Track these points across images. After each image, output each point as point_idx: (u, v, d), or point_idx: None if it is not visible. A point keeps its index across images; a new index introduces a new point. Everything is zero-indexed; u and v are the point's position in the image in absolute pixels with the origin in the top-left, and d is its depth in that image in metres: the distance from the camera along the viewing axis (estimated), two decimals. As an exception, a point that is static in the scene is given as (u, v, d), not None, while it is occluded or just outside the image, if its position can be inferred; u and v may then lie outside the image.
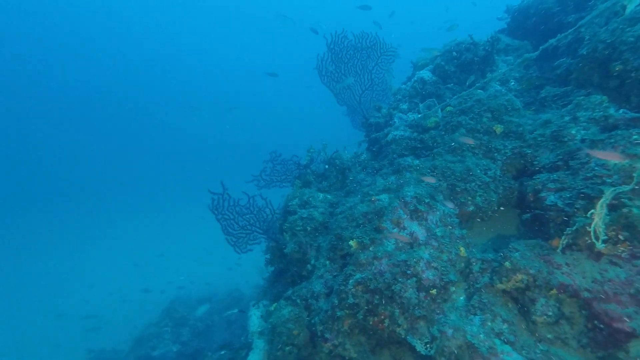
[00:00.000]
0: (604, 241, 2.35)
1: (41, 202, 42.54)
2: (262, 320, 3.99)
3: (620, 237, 2.38)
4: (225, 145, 51.48)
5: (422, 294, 2.74)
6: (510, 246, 2.77)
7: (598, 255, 2.47)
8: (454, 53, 5.53)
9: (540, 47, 3.62)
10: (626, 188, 2.31)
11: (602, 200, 2.28)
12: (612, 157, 2.52)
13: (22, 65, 45.87)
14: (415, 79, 5.77)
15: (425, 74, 5.72)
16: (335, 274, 3.34)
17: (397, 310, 2.69)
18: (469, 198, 3.39)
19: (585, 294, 2.41)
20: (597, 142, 2.76)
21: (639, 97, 3.25)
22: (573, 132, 3.19)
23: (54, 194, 44.55)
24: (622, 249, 2.39)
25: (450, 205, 3.30)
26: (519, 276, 2.57)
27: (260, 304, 4.23)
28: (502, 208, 3.55)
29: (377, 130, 5.77)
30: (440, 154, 3.84)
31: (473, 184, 3.42)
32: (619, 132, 2.71)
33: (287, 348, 3.17)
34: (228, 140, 52.48)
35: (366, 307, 2.80)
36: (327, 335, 2.89)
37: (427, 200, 3.23)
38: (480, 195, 3.38)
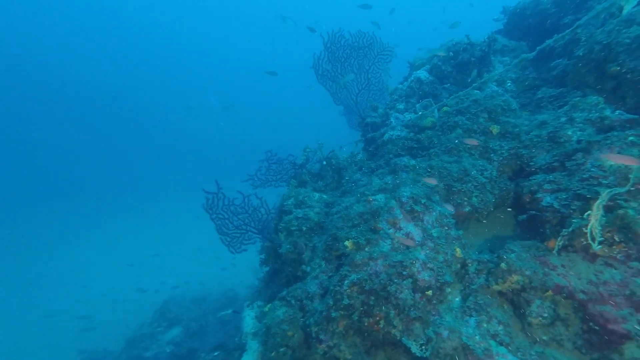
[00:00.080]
0: (600, 242, 2.34)
1: (33, 201, 42.08)
2: (257, 321, 3.95)
3: (616, 238, 2.38)
4: (221, 144, 51.34)
5: (417, 295, 2.72)
6: (506, 247, 2.76)
7: (593, 257, 2.47)
8: (451, 53, 5.52)
9: (537, 48, 3.62)
10: (622, 189, 2.31)
11: (598, 201, 2.27)
12: (629, 161, 2.45)
13: (17, 63, 45.52)
14: (412, 78, 5.76)
15: (422, 74, 5.71)
16: (330, 274, 3.31)
17: (393, 312, 2.66)
18: (465, 199, 3.37)
19: (581, 296, 2.40)
20: (593, 143, 2.75)
21: (634, 98, 3.26)
22: (569, 133, 3.19)
23: (46, 192, 44.14)
24: (617, 250, 2.38)
25: (450, 208, 3.28)
26: (515, 277, 2.56)
27: (255, 304, 4.19)
28: (498, 209, 3.54)
29: (374, 130, 5.75)
30: (436, 154, 3.82)
31: (469, 184, 3.41)
32: (615, 133, 2.70)
33: (281, 349, 3.14)
34: (224, 139, 52.32)
35: (361, 308, 2.77)
36: (321, 337, 2.86)
37: (423, 201, 3.21)
38: (476, 196, 3.37)
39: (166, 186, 43.59)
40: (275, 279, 4.61)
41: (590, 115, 3.20)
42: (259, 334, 3.67)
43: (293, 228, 3.95)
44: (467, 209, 3.38)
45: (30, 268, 25.26)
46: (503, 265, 2.62)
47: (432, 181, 3.33)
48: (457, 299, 2.80)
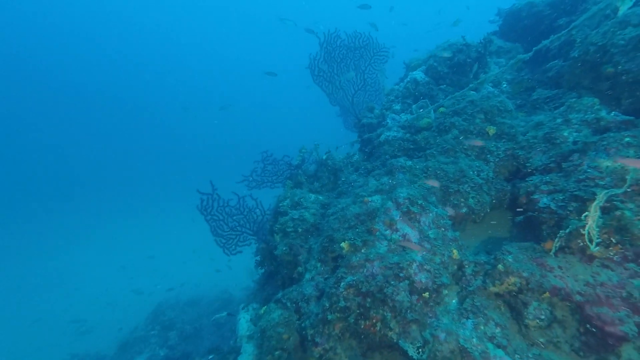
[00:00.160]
0: (597, 244, 2.33)
1: (26, 202, 41.55)
2: (252, 323, 3.91)
3: (613, 240, 2.37)
4: (217, 145, 51.12)
5: (414, 297, 2.70)
6: (503, 249, 2.75)
7: (590, 258, 2.46)
8: (449, 54, 5.51)
9: (534, 49, 3.62)
10: (619, 191, 2.30)
11: (595, 202, 2.26)
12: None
13: (18, 64, 45.25)
14: (408, 79, 5.76)
15: (418, 74, 5.71)
16: (326, 276, 3.28)
17: (389, 314, 2.64)
18: (462, 200, 3.36)
19: (578, 298, 2.39)
20: (590, 144, 2.75)
21: (629, 99, 3.27)
22: (565, 134, 3.19)
23: (39, 194, 43.58)
24: (614, 252, 2.38)
25: (451, 212, 3.26)
26: (512, 279, 2.54)
27: (250, 307, 4.15)
28: (494, 210, 3.53)
29: (370, 130, 5.73)
30: (433, 155, 3.81)
31: (466, 185, 3.39)
32: (611, 134, 2.70)
33: (277, 352, 3.10)
34: (219, 140, 52.11)
35: (358, 311, 2.74)
36: (317, 340, 2.82)
37: (420, 202, 3.19)
38: (473, 197, 3.35)
39: (162, 187, 43.28)
40: (270, 281, 4.57)
41: (586, 117, 3.20)
42: (254, 337, 3.62)
43: (289, 229, 3.91)
44: (463, 210, 3.37)
45: (21, 270, 24.89)
46: (500, 266, 2.60)
47: (434, 183, 3.30)
48: (454, 301, 2.78)
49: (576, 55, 3.77)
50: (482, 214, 3.45)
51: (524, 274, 2.51)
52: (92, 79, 50.60)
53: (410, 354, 2.56)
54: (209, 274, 16.48)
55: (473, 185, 3.40)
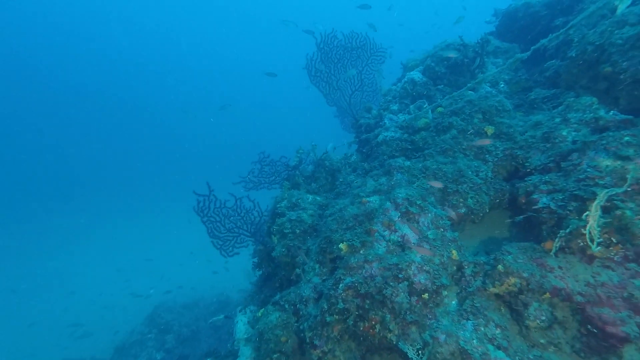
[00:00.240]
0: (598, 244, 2.31)
1: (24, 203, 41.19)
2: (249, 326, 3.86)
3: (613, 239, 2.35)
4: (215, 145, 50.99)
5: (413, 299, 2.67)
6: (502, 249, 2.72)
7: (591, 258, 2.44)
8: (444, 54, 5.50)
9: (532, 48, 3.61)
10: (619, 190, 2.29)
11: (596, 201, 2.24)
12: None
13: (18, 65, 45.11)
14: (406, 79, 5.74)
15: (416, 74, 5.69)
16: (324, 278, 3.24)
17: (388, 315, 2.61)
18: (461, 200, 3.34)
19: (579, 298, 2.37)
20: (589, 143, 2.74)
21: (627, 99, 3.26)
22: (564, 133, 3.18)
23: (37, 194, 43.21)
24: (614, 251, 2.36)
25: (452, 215, 3.22)
26: (512, 280, 2.52)
27: (247, 309, 4.10)
28: (493, 210, 3.51)
29: (368, 131, 5.71)
30: (431, 155, 3.79)
31: (465, 185, 3.37)
32: (611, 133, 2.69)
33: (275, 355, 3.06)
34: (218, 140, 51.97)
35: (356, 312, 2.71)
36: (316, 342, 2.79)
37: (418, 202, 3.17)
38: (472, 197, 3.33)
39: (161, 188, 43.08)
40: (268, 282, 4.52)
41: (585, 116, 3.19)
42: (252, 339, 3.58)
43: (286, 231, 3.87)
44: (462, 210, 3.35)
45: (21, 271, 24.64)
46: (500, 267, 2.58)
47: (437, 184, 3.27)
48: (453, 302, 2.75)
49: (574, 55, 3.77)
50: (481, 214, 3.43)
51: (524, 275, 2.49)
52: (92, 79, 50.46)
53: (410, 356, 2.53)
54: (207, 276, 16.39)
55: (472, 185, 3.38)
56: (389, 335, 2.60)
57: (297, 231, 3.83)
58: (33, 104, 47.87)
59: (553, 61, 4.53)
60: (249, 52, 58.59)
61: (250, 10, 55.58)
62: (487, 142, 3.46)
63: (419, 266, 2.77)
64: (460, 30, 6.38)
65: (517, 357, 2.31)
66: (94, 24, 48.42)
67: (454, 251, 2.95)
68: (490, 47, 5.75)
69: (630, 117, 2.96)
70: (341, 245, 3.12)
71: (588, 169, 2.63)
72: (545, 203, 2.75)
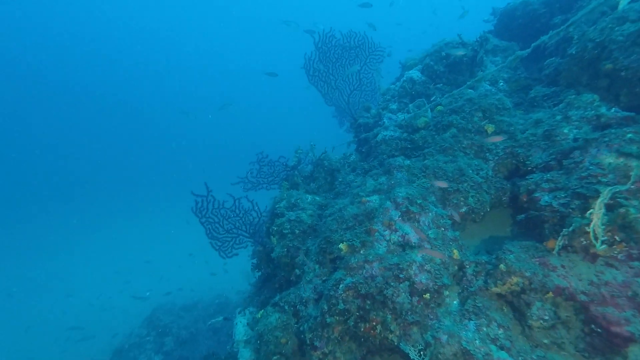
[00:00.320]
0: (602, 242, 2.28)
1: (24, 203, 40.99)
2: (249, 328, 3.82)
3: (617, 238, 2.32)
4: (214, 146, 50.88)
5: (415, 299, 2.63)
6: (504, 248, 2.69)
7: (594, 257, 2.41)
8: (443, 53, 5.48)
9: (532, 44, 3.58)
10: (623, 187, 2.26)
11: (600, 199, 2.21)
12: None
13: (18, 65, 45.06)
14: (405, 78, 5.71)
15: (415, 73, 5.67)
16: (324, 278, 3.20)
17: (390, 316, 2.57)
18: (462, 199, 3.31)
19: (582, 297, 2.34)
20: (591, 140, 2.71)
21: (628, 96, 3.24)
22: (565, 131, 3.15)
23: (37, 194, 42.99)
24: (618, 250, 2.33)
25: (456, 217, 3.19)
26: (515, 279, 2.49)
27: (247, 310, 4.06)
28: (494, 209, 3.48)
29: (367, 130, 5.68)
30: (431, 154, 3.76)
31: (465, 184, 3.34)
32: (613, 130, 2.66)
33: (275, 357, 3.02)
34: (216, 141, 51.86)
35: (357, 313, 2.67)
36: (316, 343, 2.75)
37: (419, 201, 3.13)
38: (472, 196, 3.30)
39: (161, 188, 42.89)
40: (267, 284, 4.48)
41: (586, 113, 3.17)
42: (252, 341, 3.54)
43: (286, 231, 3.83)
44: (463, 210, 3.32)
45: (20, 271, 24.49)
46: (502, 266, 2.55)
47: (442, 184, 3.23)
48: (455, 302, 2.72)
49: (574, 52, 3.75)
50: (482, 213, 3.40)
51: (527, 274, 2.46)
52: (91, 79, 50.37)
53: (411, 357, 2.49)
54: (206, 278, 16.32)
55: (472, 184, 3.35)
56: (390, 336, 2.57)
57: (297, 231, 3.80)
58: (33, 104, 47.81)
59: (553, 59, 4.51)
60: (247, 53, 58.60)
61: (250, 10, 55.58)
62: (499, 138, 3.40)
63: (420, 266, 2.74)
64: (461, 27, 6.36)
65: (520, 358, 2.28)
66: (94, 23, 48.42)
67: (455, 250, 2.92)
68: (489, 46, 5.73)
69: (632, 114, 2.94)
70: (341, 246, 3.09)
71: (590, 167, 2.60)
72: (547, 201, 2.72)
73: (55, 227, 33.80)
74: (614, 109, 3.12)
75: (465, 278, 2.80)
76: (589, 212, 2.27)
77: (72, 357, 12.42)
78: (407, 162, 3.73)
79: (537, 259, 2.56)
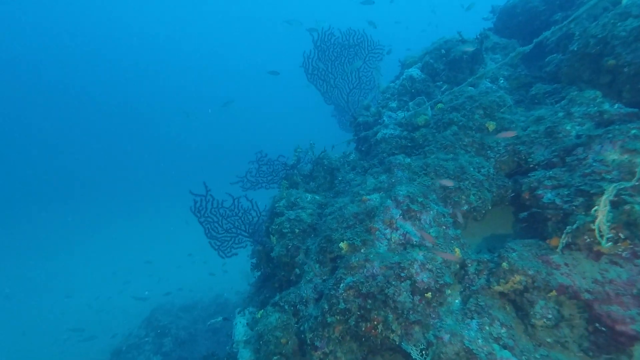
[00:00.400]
0: (607, 239, 2.25)
1: (24, 203, 40.86)
2: (248, 328, 3.79)
3: (621, 235, 2.29)
4: (213, 145, 50.78)
5: (416, 298, 2.60)
6: (506, 246, 2.66)
7: (598, 255, 2.38)
8: (443, 50, 5.45)
9: (534, 40, 3.55)
10: (628, 184, 2.23)
11: (605, 196, 2.18)
12: None
13: (19, 66, 45.05)
14: (404, 76, 5.68)
15: (414, 71, 5.63)
16: (325, 277, 3.17)
17: (391, 315, 2.54)
18: (463, 197, 3.27)
19: (586, 296, 2.31)
20: (594, 137, 2.68)
21: (631, 92, 3.21)
22: (568, 127, 3.12)
23: (37, 195, 42.84)
24: (622, 247, 2.30)
25: (460, 219, 3.15)
26: (517, 277, 2.46)
27: (246, 310, 4.02)
28: (495, 207, 3.45)
29: (366, 129, 5.64)
30: (432, 152, 3.73)
31: (467, 182, 3.31)
32: (617, 126, 2.63)
33: (275, 357, 2.99)
34: (216, 141, 51.77)
35: (358, 313, 2.64)
36: (317, 343, 2.72)
37: (420, 200, 3.10)
38: (474, 194, 3.27)
39: (161, 188, 42.77)
40: (267, 283, 4.45)
41: (589, 110, 3.13)
42: (251, 341, 3.51)
43: (285, 230, 3.80)
44: (465, 208, 3.29)
45: (20, 271, 24.41)
46: (504, 264, 2.51)
47: (449, 183, 3.18)
48: (457, 301, 2.69)
49: (575, 49, 3.71)
50: (484, 211, 3.37)
51: (530, 272, 2.42)
52: (91, 79, 50.31)
53: (413, 357, 2.46)
54: (205, 278, 16.27)
55: (474, 182, 3.32)
56: (392, 335, 2.54)
57: (296, 231, 3.76)
58: (33, 104, 47.73)
59: (554, 55, 4.48)
60: (247, 52, 58.50)
61: (250, 9, 55.50)
62: (511, 134, 3.35)
63: (422, 264, 2.70)
64: (460, 26, 6.33)
65: (523, 357, 2.25)
66: (94, 23, 48.41)
67: (456, 249, 2.89)
68: (489, 43, 5.69)
69: (636, 110, 2.91)
70: (341, 244, 3.06)
71: (594, 164, 2.57)
72: (550, 199, 2.68)
73: (55, 227, 33.72)
74: (617, 105, 3.09)
75: (467, 276, 2.76)
76: (593, 209, 2.23)
77: (72, 357, 12.37)
78: (408, 160, 3.70)
79: (540, 257, 2.53)
